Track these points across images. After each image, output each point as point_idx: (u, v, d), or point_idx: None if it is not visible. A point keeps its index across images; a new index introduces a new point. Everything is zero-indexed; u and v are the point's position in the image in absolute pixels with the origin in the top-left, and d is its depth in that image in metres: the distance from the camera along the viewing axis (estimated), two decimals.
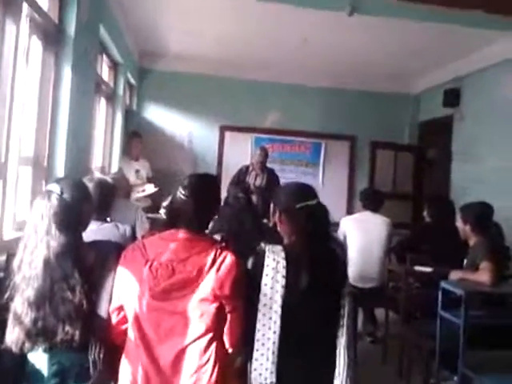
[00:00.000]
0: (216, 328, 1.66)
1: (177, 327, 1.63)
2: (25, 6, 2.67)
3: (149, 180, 5.77)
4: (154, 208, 5.02)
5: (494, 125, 5.35)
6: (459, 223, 3.45)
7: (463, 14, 3.17)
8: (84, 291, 1.59)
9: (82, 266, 1.63)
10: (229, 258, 1.67)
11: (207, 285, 1.62)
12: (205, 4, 4.51)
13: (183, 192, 1.74)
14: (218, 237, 2.70)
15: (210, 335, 1.64)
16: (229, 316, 1.68)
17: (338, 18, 4.36)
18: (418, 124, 7.22)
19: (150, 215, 4.31)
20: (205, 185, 1.84)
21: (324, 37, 5.26)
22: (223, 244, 1.72)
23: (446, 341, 3.10)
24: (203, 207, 1.76)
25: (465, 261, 3.37)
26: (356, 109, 7.04)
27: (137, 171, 5.68)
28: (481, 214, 3.41)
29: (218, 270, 1.63)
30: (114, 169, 5.49)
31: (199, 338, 1.63)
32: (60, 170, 3.08)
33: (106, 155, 5.37)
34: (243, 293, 1.70)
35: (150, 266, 1.62)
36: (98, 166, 4.97)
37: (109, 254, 1.70)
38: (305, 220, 1.82)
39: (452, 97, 6.05)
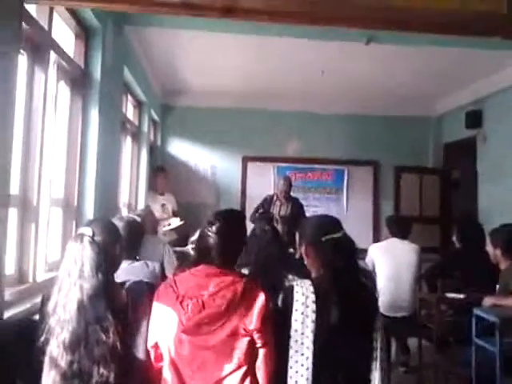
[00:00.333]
0: (249, 362, 1.66)
1: (209, 362, 1.64)
2: (52, 53, 2.81)
3: (174, 214, 5.85)
4: (181, 241, 5.08)
5: None
6: (489, 248, 3.40)
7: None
8: (118, 332, 1.61)
9: (115, 307, 1.66)
10: (257, 292, 1.68)
11: (237, 319, 1.63)
12: (223, 41, 4.64)
13: (210, 229, 1.77)
14: (245, 271, 2.72)
15: (243, 370, 1.64)
16: (260, 351, 1.68)
17: (355, 47, 4.42)
18: (441, 146, 7.17)
19: (177, 249, 4.35)
20: (231, 221, 1.86)
21: (342, 65, 5.34)
22: (251, 278, 1.73)
23: (481, 369, 3.01)
24: (231, 243, 1.79)
25: (497, 286, 3.30)
26: (378, 134, 7.06)
27: (162, 205, 5.77)
28: (511, 238, 3.35)
29: (248, 304, 1.65)
30: (141, 204, 5.60)
31: (232, 372, 1.64)
32: (89, 210, 3.16)
33: (132, 191, 5.49)
34: (273, 327, 1.70)
35: (182, 302, 1.65)
36: (125, 203, 5.07)
37: (141, 293, 1.74)
38: (331, 253, 1.82)
39: (474, 118, 6.02)
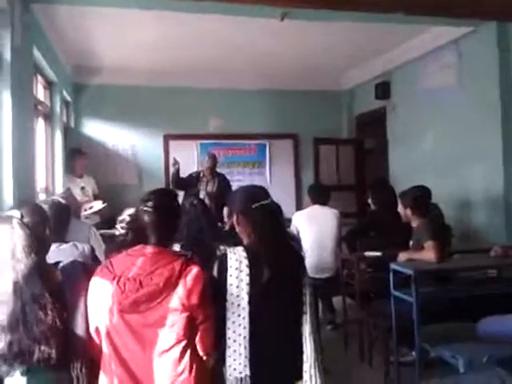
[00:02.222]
0: (189, 337, 1.70)
1: (147, 339, 1.67)
2: None
3: (95, 196, 5.70)
4: (105, 224, 4.98)
5: (422, 112, 5.71)
6: (400, 208, 3.70)
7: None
8: (56, 310, 1.61)
9: (51, 287, 1.65)
10: (195, 269, 1.71)
11: (175, 296, 1.67)
12: (138, 16, 4.52)
13: (145, 207, 1.79)
14: (177, 246, 2.77)
15: (183, 344, 1.69)
16: (200, 326, 1.73)
17: (269, 23, 4.51)
18: (354, 118, 7.53)
19: (102, 231, 4.28)
20: (165, 198, 1.90)
21: (258, 41, 5.40)
22: (189, 256, 1.78)
23: (401, 319, 3.27)
24: (167, 221, 1.82)
25: (410, 242, 3.60)
26: (296, 108, 7.25)
27: (82, 188, 5.60)
28: (418, 198, 3.67)
29: (185, 281, 1.68)
30: (59, 188, 5.39)
31: (172, 347, 1.68)
32: (8, 197, 3.03)
33: (48, 176, 5.25)
34: (211, 302, 1.76)
35: (118, 282, 1.66)
36: (42, 188, 4.86)
37: (76, 272, 1.73)
38: (261, 218, 1.92)
39: (383, 90, 6.40)
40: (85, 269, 1.81)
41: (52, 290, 1.64)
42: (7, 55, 3.14)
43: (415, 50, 5.65)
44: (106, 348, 1.69)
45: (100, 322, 1.69)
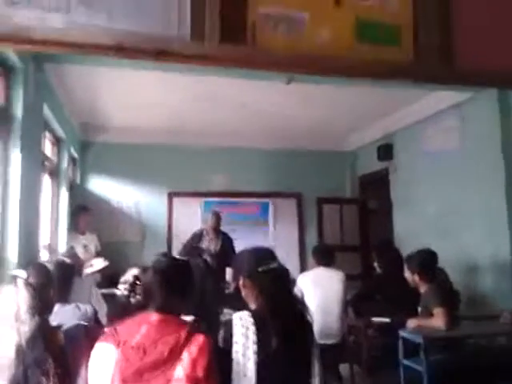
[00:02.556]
0: None
1: None
2: None
3: (97, 254, 5.65)
4: (106, 282, 4.90)
5: (425, 174, 5.75)
6: (407, 273, 3.63)
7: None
8: (57, 375, 1.55)
9: (54, 350, 1.59)
10: (201, 339, 1.66)
11: (179, 366, 1.60)
12: (145, 78, 4.65)
13: (153, 275, 1.77)
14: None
15: None
16: None
17: (275, 85, 4.64)
18: (357, 178, 7.60)
19: (103, 290, 4.21)
20: (175, 267, 1.87)
21: (264, 102, 5.55)
22: (195, 325, 1.73)
23: None
24: (174, 289, 1.78)
25: (419, 308, 3.51)
26: (299, 167, 7.32)
27: (84, 246, 5.56)
28: (425, 263, 3.61)
29: (190, 350, 1.62)
30: (61, 246, 5.35)
31: None
32: (12, 252, 2.99)
33: (52, 232, 5.23)
34: (217, 376, 1.67)
35: (122, 349, 1.61)
36: (45, 245, 4.82)
37: (78, 336, 1.68)
38: (269, 283, 1.87)
39: (385, 151, 6.48)
40: (87, 332, 1.76)
41: (55, 354, 1.59)
42: (19, 112, 3.21)
43: (417, 114, 5.78)
44: None
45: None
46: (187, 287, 1.90)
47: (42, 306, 1.62)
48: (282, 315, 1.83)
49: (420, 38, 2.10)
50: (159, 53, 1.88)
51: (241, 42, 1.97)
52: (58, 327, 1.74)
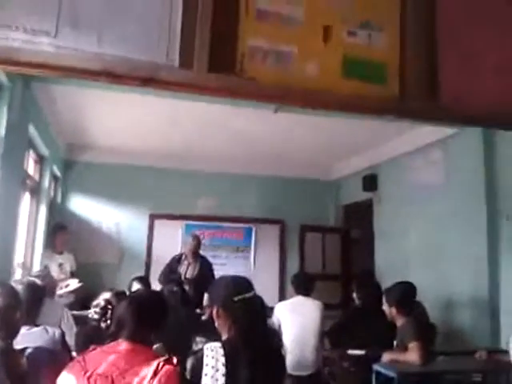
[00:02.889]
0: None
1: None
2: None
3: (72, 274, 5.57)
4: (79, 304, 4.81)
5: (408, 206, 5.80)
6: (385, 306, 3.62)
7: None
8: None
9: (15, 375, 1.55)
10: (171, 370, 1.64)
11: None
12: (126, 98, 4.66)
13: (127, 306, 1.75)
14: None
15: None
16: None
17: (261, 114, 4.69)
18: (341, 207, 7.64)
19: (75, 313, 4.12)
20: (149, 299, 1.89)
21: (250, 130, 5.59)
22: (167, 357, 1.70)
23: None
24: (146, 321, 1.77)
25: (394, 342, 3.49)
26: (283, 194, 7.35)
27: (60, 265, 5.49)
28: (404, 296, 3.61)
29: (159, 382, 1.59)
30: (37, 264, 5.25)
31: None
32: None
33: (28, 250, 5.14)
34: None
35: (89, 378, 1.57)
36: (19, 262, 4.73)
37: (41, 361, 1.65)
38: (242, 313, 1.85)
39: (370, 182, 6.54)
40: (51, 357, 1.73)
41: (16, 379, 1.55)
42: (1, 131, 3.19)
43: (402, 146, 5.86)
44: None
45: None
46: (160, 319, 1.88)
47: (6, 329, 1.58)
48: (254, 347, 1.81)
49: (406, 75, 2.14)
50: (147, 80, 1.89)
51: (229, 71, 1.99)
52: (22, 351, 1.69)
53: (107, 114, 5.31)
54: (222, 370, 1.73)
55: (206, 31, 1.98)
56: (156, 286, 4.83)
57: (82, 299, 4.83)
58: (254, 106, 4.39)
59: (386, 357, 3.38)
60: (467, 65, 2.19)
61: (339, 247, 7.46)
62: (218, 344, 1.82)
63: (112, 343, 1.70)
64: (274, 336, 2.09)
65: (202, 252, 5.81)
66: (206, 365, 1.74)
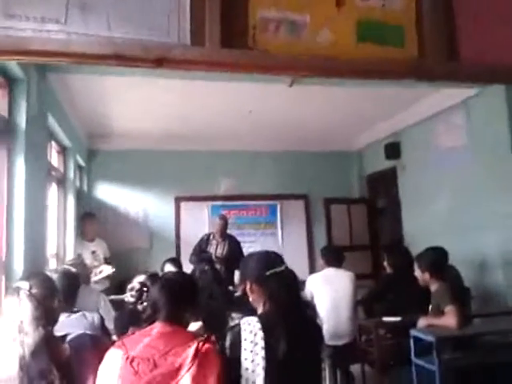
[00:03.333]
0: None
1: None
2: None
3: (106, 260, 5.67)
4: (115, 288, 4.91)
5: (433, 172, 5.69)
6: (417, 272, 3.59)
7: None
8: None
9: (59, 361, 1.59)
10: (211, 350, 1.65)
11: (190, 378, 1.58)
12: (149, 84, 4.67)
13: (160, 289, 1.79)
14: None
15: None
16: None
17: (279, 88, 4.63)
18: (365, 177, 7.55)
19: (112, 297, 4.21)
20: (180, 280, 1.91)
21: (269, 105, 5.53)
22: (205, 336, 1.72)
23: None
24: (180, 302, 1.80)
25: (430, 307, 3.47)
26: (306, 169, 7.31)
27: (93, 252, 5.59)
28: (436, 261, 3.57)
29: (201, 362, 1.60)
30: (70, 253, 5.36)
31: None
32: (18, 264, 3.00)
33: (60, 241, 5.24)
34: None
35: (131, 362, 1.59)
36: (52, 254, 4.84)
37: (84, 346, 1.68)
38: (276, 287, 1.85)
39: (392, 150, 6.43)
40: (93, 342, 1.76)
41: (59, 365, 1.59)
42: (22, 123, 3.22)
43: (424, 111, 5.72)
44: None
45: None
46: (193, 299, 1.90)
47: (45, 317, 1.61)
48: (291, 319, 1.81)
49: (424, 36, 2.08)
50: (159, 60, 1.87)
51: (242, 45, 1.96)
52: (63, 338, 1.73)
53: (126, 100, 5.31)
54: (261, 343, 1.74)
55: (217, 6, 1.94)
56: (187, 266, 4.90)
57: (117, 284, 4.93)
58: (268, 81, 4.33)
59: (422, 322, 3.36)
60: (485, 22, 2.11)
61: (365, 218, 7.40)
62: (254, 318, 1.83)
63: (150, 326, 1.72)
64: (309, 307, 2.09)
65: (228, 230, 5.86)
66: (245, 339, 1.75)
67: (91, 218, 5.84)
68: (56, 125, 4.64)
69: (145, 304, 1.91)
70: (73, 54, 1.81)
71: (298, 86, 4.42)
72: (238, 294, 3.66)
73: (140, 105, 5.47)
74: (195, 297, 1.96)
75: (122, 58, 1.80)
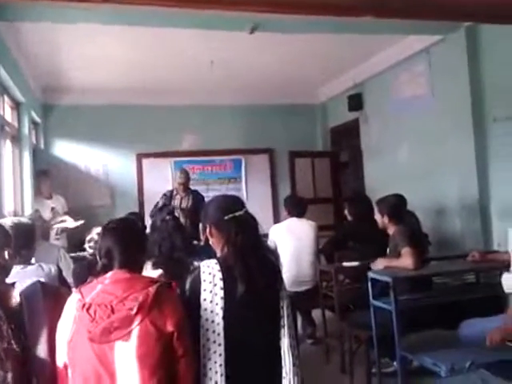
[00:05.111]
0: (165, 368, 1.60)
1: (119, 370, 1.56)
2: None
3: (66, 214, 5.59)
4: (75, 246, 4.85)
5: (395, 122, 5.77)
6: (377, 216, 3.68)
7: (354, 22, 3.42)
8: (12, 331, 1.52)
9: (7, 308, 1.56)
10: (171, 295, 1.65)
11: (150, 322, 1.57)
12: (105, 34, 4.47)
13: (110, 236, 1.76)
14: (149, 263, 2.67)
15: (157, 377, 1.57)
16: (181, 361, 1.62)
17: (240, 37, 4.51)
18: (329, 130, 7.57)
19: (72, 254, 4.16)
20: (128, 225, 1.88)
21: (230, 56, 5.40)
22: (165, 281, 1.70)
23: (381, 329, 3.22)
24: (132, 246, 1.77)
25: (387, 249, 3.57)
26: (270, 122, 7.25)
27: (52, 209, 5.53)
28: (394, 205, 3.67)
29: (161, 306, 1.60)
30: (27, 211, 5.24)
31: (147, 380, 1.56)
32: None
33: (17, 198, 5.11)
34: (188, 327, 1.67)
35: (88, 309, 1.57)
36: (10, 211, 4.71)
37: (35, 292, 1.65)
38: (234, 230, 1.85)
39: (355, 101, 6.43)
40: (45, 289, 1.72)
41: (8, 312, 1.55)
42: None
43: (386, 61, 5.72)
44: (72, 379, 1.60)
45: (69, 352, 1.60)
46: (143, 243, 1.89)
47: None
48: (248, 261, 1.82)
49: None
50: None
51: None
52: (13, 284, 1.70)
53: (82, 52, 5.08)
54: (220, 284, 1.75)
55: None
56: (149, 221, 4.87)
57: (78, 242, 4.86)
58: (230, 27, 4.21)
59: (380, 264, 3.47)
60: None
61: (329, 171, 7.47)
62: (213, 260, 1.83)
63: (108, 274, 1.69)
64: (270, 251, 2.10)
65: (193, 187, 5.83)
66: (204, 280, 1.76)
67: (44, 175, 5.77)
68: (8, 78, 4.42)
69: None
70: None
71: (259, 34, 4.31)
72: (200, 244, 3.68)
73: (95, 56, 5.24)
74: (144, 240, 1.94)
75: None
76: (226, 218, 1.87)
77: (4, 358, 1.51)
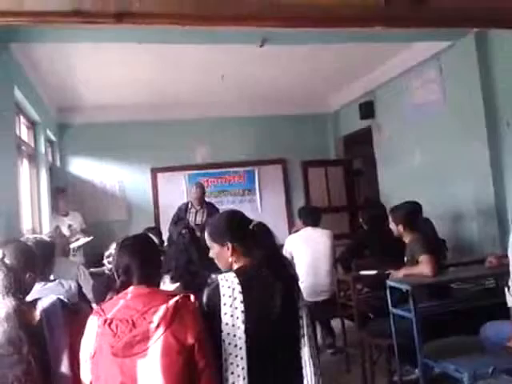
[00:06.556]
0: (187, 381, 1.60)
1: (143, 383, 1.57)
2: None
3: (83, 232, 5.65)
4: (94, 262, 4.90)
5: (407, 129, 5.75)
6: (392, 225, 3.66)
7: (363, 32, 3.43)
8: (32, 351, 1.55)
9: (28, 328, 1.58)
10: (191, 308, 1.65)
11: (171, 335, 1.58)
12: (117, 52, 4.55)
13: (128, 252, 1.79)
14: (167, 277, 2.70)
15: None
16: (202, 375, 1.62)
17: (251, 50, 4.56)
18: (341, 139, 7.57)
19: (91, 270, 4.20)
20: (144, 241, 1.91)
21: (241, 69, 5.47)
22: (184, 294, 1.71)
23: (402, 337, 3.18)
24: (149, 261, 1.80)
25: (405, 258, 3.55)
26: (282, 133, 7.28)
27: (69, 226, 5.57)
28: (409, 213, 3.64)
29: (181, 319, 1.61)
30: (45, 228, 5.31)
31: None
32: None
33: (35, 216, 5.18)
34: (208, 339, 1.67)
35: (110, 324, 1.59)
36: (28, 229, 4.78)
37: (55, 309, 1.67)
38: (252, 242, 1.86)
39: (367, 109, 6.44)
40: (65, 306, 1.75)
41: (30, 332, 1.58)
42: None
43: (396, 68, 5.73)
44: None
45: (93, 368, 1.61)
46: (159, 258, 1.92)
47: (16, 285, 1.60)
48: (267, 273, 1.83)
49: None
50: (120, 15, 1.81)
51: None
52: (32, 302, 1.72)
53: (95, 71, 5.19)
54: (240, 297, 1.76)
55: None
56: (167, 236, 4.90)
57: (97, 258, 4.92)
58: (239, 41, 4.25)
59: (398, 273, 3.45)
60: None
61: (342, 179, 7.46)
62: (231, 273, 1.84)
63: (126, 290, 1.71)
64: (285, 260, 2.11)
65: (207, 199, 5.85)
66: (223, 295, 1.76)
67: (60, 193, 5.84)
68: (23, 98, 4.52)
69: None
70: (29, 13, 1.74)
71: (269, 47, 4.36)
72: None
73: (110, 76, 5.36)
74: (160, 255, 1.97)
75: (81, 14, 1.74)
76: (242, 231, 1.88)
77: (23, 381, 1.53)
